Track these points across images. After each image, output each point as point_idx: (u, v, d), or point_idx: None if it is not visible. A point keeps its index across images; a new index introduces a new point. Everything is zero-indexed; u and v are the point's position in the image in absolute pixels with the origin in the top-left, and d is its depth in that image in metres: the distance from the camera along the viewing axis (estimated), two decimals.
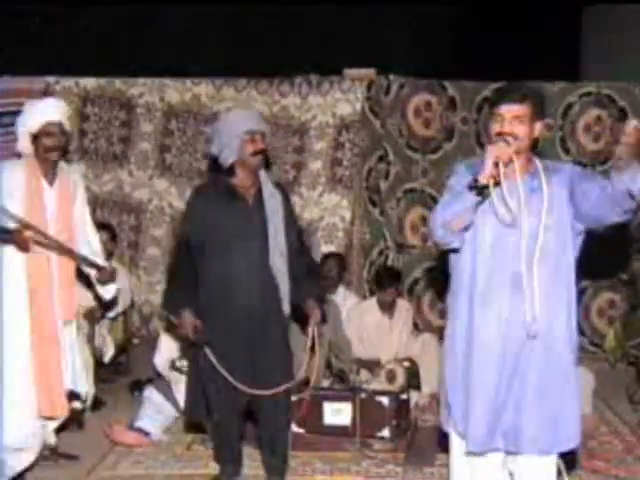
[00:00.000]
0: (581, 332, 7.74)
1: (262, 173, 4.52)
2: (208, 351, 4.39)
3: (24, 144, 4.61)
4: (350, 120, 7.41)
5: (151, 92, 7.62)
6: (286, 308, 4.51)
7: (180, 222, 4.76)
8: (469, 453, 3.57)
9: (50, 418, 4.63)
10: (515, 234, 3.39)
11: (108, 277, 4.77)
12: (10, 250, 4.47)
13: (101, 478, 4.90)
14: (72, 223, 4.69)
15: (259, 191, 4.50)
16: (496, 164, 3.26)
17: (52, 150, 4.57)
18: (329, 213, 7.46)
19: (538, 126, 3.48)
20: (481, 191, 3.28)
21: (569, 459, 4.01)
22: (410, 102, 7.58)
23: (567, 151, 7.61)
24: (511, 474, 3.66)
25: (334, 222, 7.47)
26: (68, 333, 4.70)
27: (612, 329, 7.60)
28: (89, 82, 7.64)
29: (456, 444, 3.68)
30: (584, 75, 11.99)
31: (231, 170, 4.46)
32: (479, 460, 3.59)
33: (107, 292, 4.88)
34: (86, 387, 4.99)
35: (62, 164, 4.74)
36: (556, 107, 7.59)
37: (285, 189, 4.78)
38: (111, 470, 5.02)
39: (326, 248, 7.32)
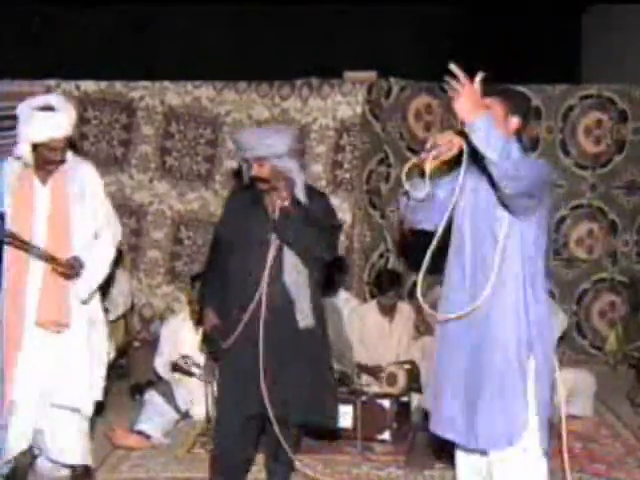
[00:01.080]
0: (582, 334, 7.76)
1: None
2: (221, 354, 4.48)
3: (24, 151, 4.46)
4: (351, 123, 7.42)
5: (152, 95, 7.62)
6: (306, 322, 4.39)
7: (218, 220, 4.84)
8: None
9: None
10: (481, 226, 3.53)
11: (67, 270, 4.43)
12: None
13: None
14: (69, 222, 4.50)
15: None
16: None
17: (52, 163, 4.48)
18: None
19: (514, 121, 3.58)
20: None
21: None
22: (411, 105, 7.58)
23: (568, 153, 7.61)
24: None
25: None
26: (54, 342, 4.50)
27: (613, 331, 7.59)
28: (90, 85, 7.64)
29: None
30: (585, 77, 11.99)
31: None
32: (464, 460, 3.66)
33: (81, 289, 4.54)
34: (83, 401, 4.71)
35: (72, 158, 4.60)
36: (557, 109, 7.59)
37: (317, 193, 4.59)
38: (112, 473, 5.03)
39: None
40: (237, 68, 9.47)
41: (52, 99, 4.56)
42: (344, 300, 6.68)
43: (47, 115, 4.39)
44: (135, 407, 5.86)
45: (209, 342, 4.68)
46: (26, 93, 7.26)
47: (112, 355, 6.51)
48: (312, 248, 4.35)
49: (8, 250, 4.42)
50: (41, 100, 4.55)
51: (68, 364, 4.55)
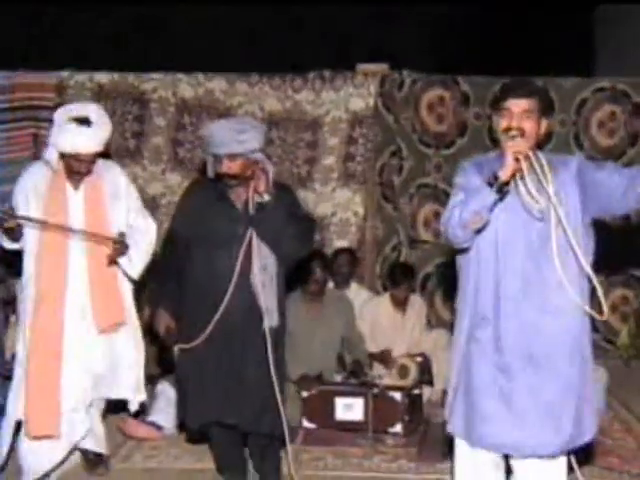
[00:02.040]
0: (594, 329, 7.71)
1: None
2: (177, 353, 4.30)
3: (52, 157, 4.47)
4: (363, 115, 7.40)
5: (164, 87, 7.61)
6: (270, 322, 4.20)
7: (171, 217, 4.59)
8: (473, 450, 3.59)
9: (40, 437, 4.38)
10: (523, 233, 3.40)
11: (120, 250, 4.44)
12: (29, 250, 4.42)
13: (114, 471, 4.92)
14: (107, 224, 4.50)
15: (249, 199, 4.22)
16: (517, 159, 3.26)
17: (78, 174, 4.46)
18: (342, 208, 7.45)
19: (544, 123, 3.48)
20: (501, 188, 3.27)
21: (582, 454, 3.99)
22: (423, 97, 7.56)
23: (581, 147, 7.58)
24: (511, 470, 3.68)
25: (347, 217, 7.46)
26: (99, 344, 4.51)
27: (626, 326, 7.58)
28: (103, 77, 7.63)
29: (460, 443, 3.69)
30: (598, 71, 11.94)
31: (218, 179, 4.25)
32: (482, 457, 3.60)
33: (130, 268, 4.56)
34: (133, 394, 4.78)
35: (101, 162, 4.59)
36: (570, 103, 7.56)
37: (287, 189, 4.48)
38: (124, 463, 5.04)
39: (339, 243, 7.31)
40: (250, 60, 9.48)
41: (92, 111, 4.49)
42: (356, 293, 6.67)
43: (80, 130, 4.35)
44: (147, 398, 5.86)
45: (164, 341, 4.40)
46: (40, 84, 7.30)
47: None
48: (291, 244, 4.21)
49: (40, 246, 4.37)
50: (80, 109, 4.50)
51: (121, 359, 4.63)
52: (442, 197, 7.48)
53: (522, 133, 3.34)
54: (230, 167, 4.10)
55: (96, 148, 4.39)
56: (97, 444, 4.76)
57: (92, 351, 4.47)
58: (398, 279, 6.47)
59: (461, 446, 3.67)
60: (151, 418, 5.45)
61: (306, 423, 5.60)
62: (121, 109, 7.61)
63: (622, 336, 7.54)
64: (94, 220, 4.46)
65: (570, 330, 3.49)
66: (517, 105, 3.40)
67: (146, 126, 7.61)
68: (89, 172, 4.48)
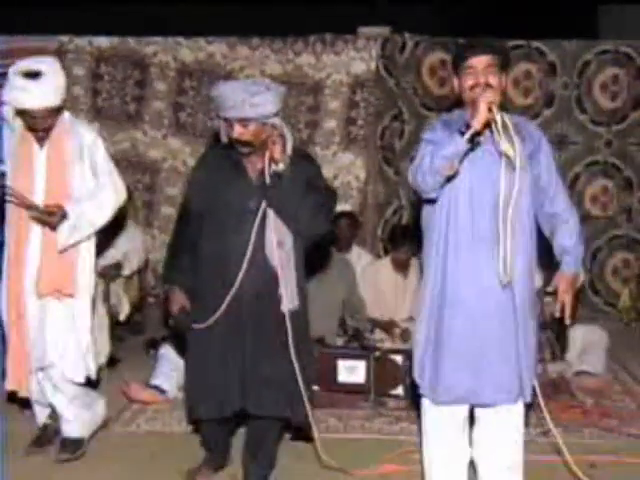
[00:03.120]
0: (595, 292, 7.76)
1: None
2: (189, 338, 4.02)
3: (7, 115, 4.25)
4: (364, 79, 7.38)
5: (165, 51, 7.58)
6: (289, 304, 3.88)
7: (184, 193, 4.33)
8: (438, 408, 3.67)
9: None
10: (489, 189, 3.42)
11: (47, 218, 4.17)
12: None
13: (117, 435, 4.95)
14: (66, 184, 4.28)
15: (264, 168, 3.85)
16: (489, 109, 3.28)
17: (36, 130, 4.22)
18: (343, 172, 7.45)
19: (504, 78, 3.52)
20: (472, 138, 3.30)
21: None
22: (425, 61, 7.53)
23: (583, 110, 7.55)
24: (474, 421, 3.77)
25: (348, 181, 7.46)
26: (56, 310, 4.34)
27: (626, 289, 7.60)
28: (103, 41, 7.61)
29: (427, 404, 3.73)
30: (601, 33, 11.87)
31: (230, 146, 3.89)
32: (447, 415, 3.68)
33: (59, 237, 4.23)
34: (89, 370, 4.51)
35: (68, 119, 4.35)
36: (572, 65, 7.52)
37: (309, 158, 4.06)
38: (127, 427, 5.07)
39: (340, 207, 7.30)
40: (251, 24, 9.42)
41: (43, 64, 4.19)
42: (357, 256, 6.68)
43: (27, 84, 4.06)
44: (149, 362, 5.90)
45: (176, 324, 4.06)
46: (39, 49, 7.27)
47: (127, 311, 6.57)
48: (308, 218, 3.82)
49: (11, 214, 4.30)
50: (32, 64, 4.17)
51: (71, 331, 4.40)
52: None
53: (489, 87, 3.38)
54: (242, 133, 3.74)
55: (47, 103, 4.11)
56: (70, 429, 4.56)
57: (45, 317, 4.33)
58: (398, 241, 6.47)
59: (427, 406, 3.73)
60: (154, 382, 5.47)
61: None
62: (121, 74, 7.60)
63: (623, 299, 7.57)
64: (55, 180, 4.26)
65: (518, 288, 3.54)
66: (480, 62, 3.45)
67: (147, 90, 7.60)
68: (48, 129, 4.23)
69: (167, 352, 5.60)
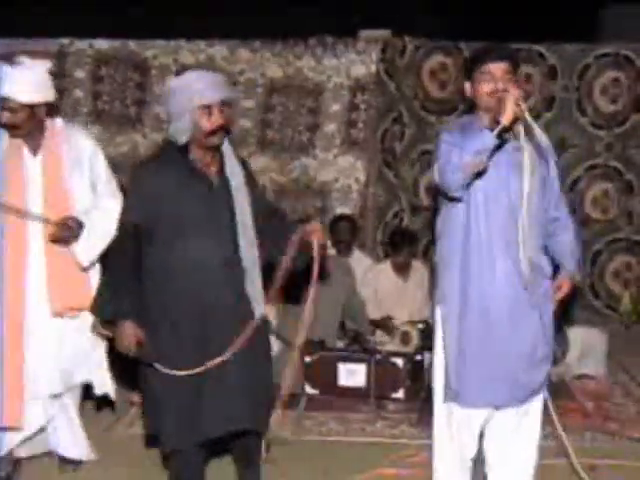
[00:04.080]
0: (596, 295, 7.75)
1: (225, 145, 3.68)
2: (159, 367, 3.55)
3: None
4: (365, 82, 7.37)
5: (165, 54, 7.58)
6: (259, 308, 3.66)
7: (122, 206, 3.78)
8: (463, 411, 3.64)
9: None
10: (507, 190, 3.44)
11: (65, 232, 3.96)
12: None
13: (119, 436, 4.96)
14: (66, 193, 4.04)
15: (221, 168, 3.67)
16: (517, 105, 3.28)
17: (10, 127, 3.96)
18: (344, 175, 7.45)
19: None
20: (501, 134, 3.29)
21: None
22: (425, 64, 7.52)
23: (583, 113, 7.55)
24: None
25: (349, 184, 7.46)
26: (74, 325, 4.10)
27: (627, 292, 7.60)
28: (103, 44, 7.61)
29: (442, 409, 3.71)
30: (601, 36, 11.88)
31: (185, 147, 3.62)
32: (465, 421, 3.66)
33: (80, 253, 4.03)
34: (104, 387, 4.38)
35: (62, 125, 4.14)
36: (573, 69, 7.52)
37: (245, 161, 3.89)
38: (129, 429, 5.08)
39: (340, 210, 7.32)
40: (251, 27, 9.44)
41: (28, 60, 4.06)
42: (358, 259, 6.68)
43: (6, 70, 3.93)
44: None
45: (141, 357, 3.58)
46: (39, 52, 7.26)
47: None
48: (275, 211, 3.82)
49: (5, 228, 3.96)
50: (18, 57, 4.06)
51: (94, 345, 4.22)
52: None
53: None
54: (222, 118, 3.55)
55: (25, 98, 3.88)
56: (75, 449, 4.40)
57: (55, 337, 4.07)
58: (398, 245, 6.47)
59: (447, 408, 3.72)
60: None
61: (309, 389, 5.63)
62: (122, 76, 7.59)
63: (624, 302, 7.57)
64: (53, 191, 4.01)
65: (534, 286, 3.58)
66: (498, 68, 3.45)
67: (147, 93, 7.59)
68: (20, 128, 3.94)
69: None
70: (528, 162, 3.37)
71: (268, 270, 3.73)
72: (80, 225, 4.00)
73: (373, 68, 7.35)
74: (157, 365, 3.54)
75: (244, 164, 3.80)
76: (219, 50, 7.53)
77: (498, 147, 3.35)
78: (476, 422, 3.66)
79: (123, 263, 3.55)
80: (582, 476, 3.88)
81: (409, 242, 6.52)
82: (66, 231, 3.96)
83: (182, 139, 3.56)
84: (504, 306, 3.51)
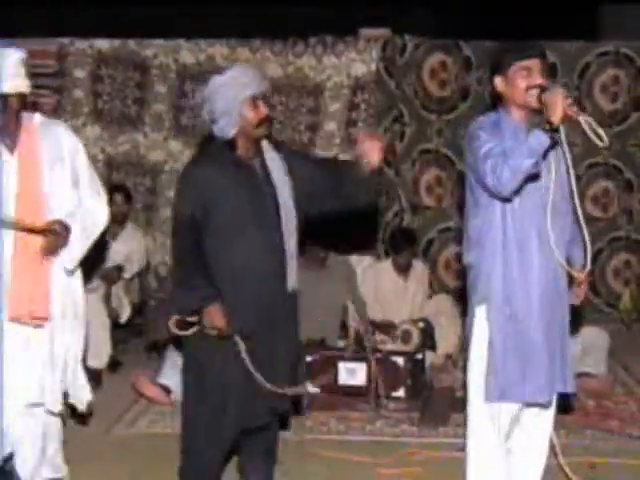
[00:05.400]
0: (596, 293, 7.75)
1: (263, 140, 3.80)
2: (239, 341, 3.67)
3: None
4: (365, 81, 7.37)
5: (165, 53, 7.58)
6: (293, 284, 3.82)
7: (176, 202, 3.83)
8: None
9: None
10: (538, 185, 3.44)
11: (57, 241, 3.73)
12: None
13: (118, 436, 4.96)
14: (41, 194, 3.76)
15: (263, 161, 3.77)
16: (569, 104, 3.27)
17: None
18: None
19: None
20: (554, 133, 3.28)
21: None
22: (425, 62, 7.52)
23: (584, 111, 7.53)
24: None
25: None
26: (32, 340, 3.78)
27: (628, 290, 7.60)
28: (103, 43, 7.61)
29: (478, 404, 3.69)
30: (602, 34, 11.87)
31: (232, 142, 3.71)
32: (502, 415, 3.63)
33: (66, 256, 3.82)
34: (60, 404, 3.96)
35: (40, 120, 3.89)
36: (573, 67, 7.52)
37: (283, 146, 4.01)
38: (129, 428, 5.08)
39: None
40: (251, 26, 9.44)
41: (7, 50, 3.76)
42: (358, 258, 6.69)
43: None
44: (151, 364, 5.90)
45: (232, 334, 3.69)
46: (39, 51, 7.26)
47: (128, 313, 6.57)
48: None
49: None
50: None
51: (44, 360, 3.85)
52: (444, 162, 7.49)
53: (545, 89, 3.36)
54: (262, 109, 3.68)
55: None
56: (51, 469, 4.05)
57: (27, 348, 3.80)
58: (399, 245, 6.48)
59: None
60: (162, 380, 5.48)
61: (309, 388, 5.63)
62: (122, 76, 7.59)
63: (624, 300, 7.57)
64: (28, 188, 3.75)
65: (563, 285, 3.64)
66: (535, 64, 3.45)
67: (147, 93, 7.59)
68: None
69: (172, 354, 5.58)
70: (569, 157, 3.42)
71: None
72: (67, 229, 3.78)
73: (373, 67, 7.35)
74: (241, 343, 3.66)
75: (281, 147, 3.90)
76: (219, 49, 7.53)
77: (552, 146, 3.35)
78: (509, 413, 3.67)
79: (190, 255, 3.67)
80: (570, 476, 3.89)
81: (409, 242, 6.53)
82: (57, 239, 3.74)
83: (230, 133, 3.66)
84: (545, 303, 3.53)
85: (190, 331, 3.72)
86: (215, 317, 3.63)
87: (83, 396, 4.05)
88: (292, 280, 3.80)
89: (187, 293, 3.73)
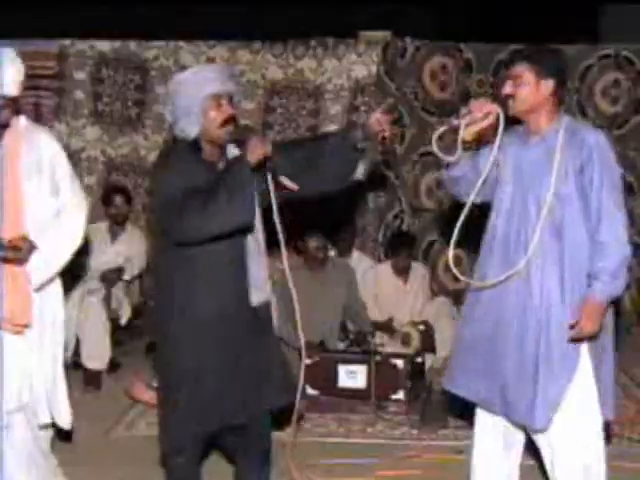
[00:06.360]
0: None
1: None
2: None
3: None
4: (365, 83, 7.37)
5: (166, 55, 7.58)
6: (255, 298, 3.61)
7: (156, 193, 3.53)
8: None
9: None
10: (525, 199, 3.43)
11: (11, 253, 3.54)
12: None
13: (118, 438, 4.96)
14: (20, 201, 3.62)
15: (227, 162, 3.57)
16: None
17: None
18: None
19: (544, 85, 3.48)
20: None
21: None
22: (426, 65, 7.52)
23: (584, 114, 7.55)
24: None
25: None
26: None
27: (627, 293, 7.59)
28: (104, 45, 7.61)
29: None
30: (602, 38, 11.87)
31: (195, 144, 3.52)
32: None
33: (33, 275, 3.65)
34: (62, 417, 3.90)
35: (24, 125, 3.73)
36: (574, 70, 7.52)
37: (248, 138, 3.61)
38: (128, 431, 5.08)
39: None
40: (251, 28, 9.44)
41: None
42: (358, 260, 6.69)
43: None
44: (150, 366, 5.90)
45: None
46: (40, 53, 7.28)
47: (128, 315, 6.57)
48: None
49: None
50: None
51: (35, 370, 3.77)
52: (444, 165, 7.47)
53: (513, 99, 3.50)
54: (226, 109, 3.47)
55: None
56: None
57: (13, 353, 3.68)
58: (398, 248, 6.49)
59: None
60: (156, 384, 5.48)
61: (309, 390, 5.63)
62: (122, 77, 7.59)
63: (624, 303, 7.56)
64: (6, 195, 3.60)
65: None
66: (512, 72, 3.51)
67: (148, 94, 7.59)
68: None
69: None
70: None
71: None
72: (31, 246, 3.58)
73: (373, 69, 7.34)
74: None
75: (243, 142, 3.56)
76: (219, 51, 7.53)
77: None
78: None
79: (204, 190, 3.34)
80: None
81: (408, 245, 6.54)
82: (15, 253, 3.55)
83: (192, 133, 3.47)
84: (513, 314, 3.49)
85: None
86: (258, 143, 3.37)
87: (63, 410, 3.89)
88: (258, 289, 3.61)
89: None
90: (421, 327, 6.26)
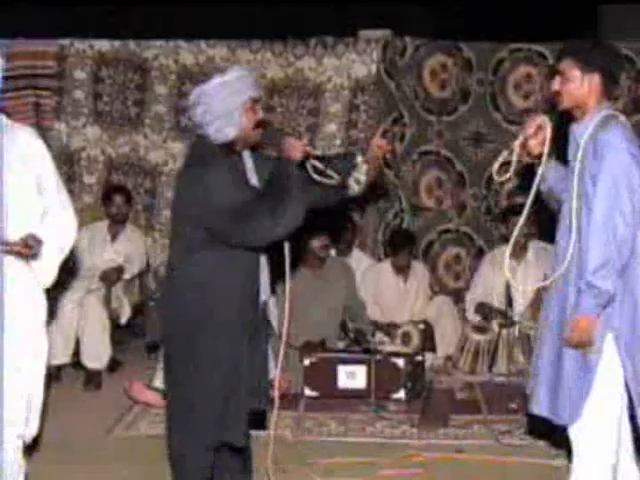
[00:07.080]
0: None
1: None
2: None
3: None
4: (365, 82, 7.36)
5: (165, 54, 7.58)
6: (264, 296, 3.70)
7: (207, 194, 3.45)
8: None
9: None
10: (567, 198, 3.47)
11: (23, 250, 3.41)
12: None
13: (119, 438, 4.96)
14: (5, 207, 3.40)
15: (243, 163, 3.68)
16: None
17: None
18: None
19: (589, 80, 3.47)
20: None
21: None
22: (426, 64, 7.51)
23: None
24: None
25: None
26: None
27: None
28: (103, 45, 7.60)
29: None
30: (602, 36, 11.86)
31: (228, 145, 3.57)
32: None
33: (42, 274, 3.61)
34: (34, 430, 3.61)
35: (7, 123, 3.59)
36: None
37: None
38: (128, 430, 5.08)
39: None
40: (251, 27, 9.43)
41: None
42: (358, 259, 6.69)
43: None
44: (151, 365, 5.90)
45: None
46: (40, 52, 7.28)
47: (128, 314, 6.57)
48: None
49: None
50: None
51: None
52: (444, 164, 7.48)
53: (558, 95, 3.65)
54: (259, 113, 3.59)
55: None
56: None
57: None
58: (397, 247, 6.49)
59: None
60: (156, 384, 5.47)
61: (308, 391, 5.62)
62: (122, 77, 7.58)
63: None
64: None
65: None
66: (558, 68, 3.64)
67: (147, 94, 7.59)
68: None
69: None
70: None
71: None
72: (40, 242, 3.48)
73: (373, 68, 7.34)
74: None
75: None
76: (219, 50, 7.52)
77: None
78: None
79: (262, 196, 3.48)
80: None
81: (408, 244, 6.54)
82: (27, 249, 3.43)
83: (230, 134, 3.51)
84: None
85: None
86: (295, 143, 3.55)
87: (32, 421, 3.60)
88: (265, 289, 3.70)
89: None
90: (421, 326, 6.27)
